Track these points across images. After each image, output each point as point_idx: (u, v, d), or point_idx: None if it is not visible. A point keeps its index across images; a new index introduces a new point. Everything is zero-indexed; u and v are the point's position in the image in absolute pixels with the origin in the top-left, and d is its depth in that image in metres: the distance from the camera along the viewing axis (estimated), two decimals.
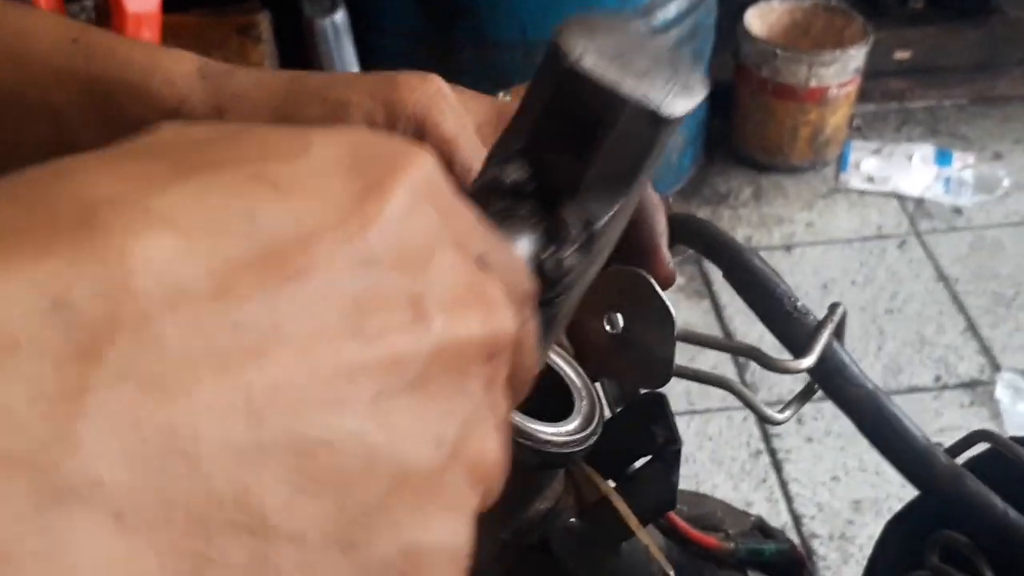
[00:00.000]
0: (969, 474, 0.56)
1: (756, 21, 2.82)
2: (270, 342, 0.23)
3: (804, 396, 0.58)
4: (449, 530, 0.26)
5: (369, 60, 2.32)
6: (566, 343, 0.54)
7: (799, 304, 0.57)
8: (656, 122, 0.39)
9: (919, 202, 2.82)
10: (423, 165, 0.27)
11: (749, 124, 2.87)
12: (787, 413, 0.56)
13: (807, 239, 2.74)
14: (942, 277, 2.62)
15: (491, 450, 0.28)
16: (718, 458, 2.25)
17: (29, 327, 0.21)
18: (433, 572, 0.26)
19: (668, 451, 0.55)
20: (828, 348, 0.55)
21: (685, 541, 0.63)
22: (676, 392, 2.27)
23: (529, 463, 0.47)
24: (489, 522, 0.29)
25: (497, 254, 0.30)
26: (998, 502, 0.55)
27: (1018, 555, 0.55)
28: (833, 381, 0.56)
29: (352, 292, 0.25)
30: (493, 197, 0.40)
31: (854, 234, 2.75)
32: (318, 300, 0.24)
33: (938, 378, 2.39)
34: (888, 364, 2.41)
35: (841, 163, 2.92)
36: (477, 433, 0.27)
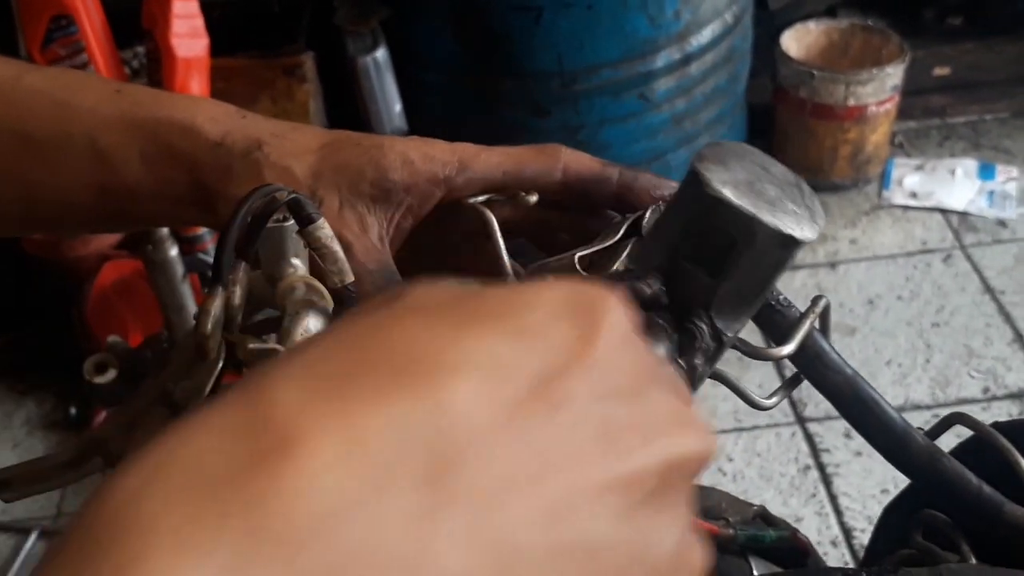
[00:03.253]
0: (945, 454, 0.58)
1: (793, 43, 2.85)
2: (549, 462, 0.28)
3: (790, 384, 0.61)
4: None
5: (411, 93, 2.36)
6: None
7: (781, 297, 0.60)
8: (789, 245, 0.45)
9: (963, 216, 2.82)
10: (617, 307, 0.32)
11: (789, 144, 2.88)
12: (773, 400, 0.59)
13: (851, 256, 2.75)
14: (988, 289, 2.62)
15: (700, 546, 0.33)
16: (767, 474, 2.26)
17: (395, 456, 0.27)
18: None
19: None
20: (809, 337, 0.58)
21: None
22: (724, 411, 2.29)
23: None
24: None
25: (669, 370, 0.35)
26: (972, 479, 0.57)
27: (992, 528, 0.58)
28: (815, 368, 0.58)
29: (596, 419, 0.30)
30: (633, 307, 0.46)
31: (899, 249, 2.76)
32: (575, 426, 0.29)
33: (986, 390, 2.38)
34: (936, 377, 2.41)
35: (884, 180, 2.93)
36: (689, 534, 0.32)
